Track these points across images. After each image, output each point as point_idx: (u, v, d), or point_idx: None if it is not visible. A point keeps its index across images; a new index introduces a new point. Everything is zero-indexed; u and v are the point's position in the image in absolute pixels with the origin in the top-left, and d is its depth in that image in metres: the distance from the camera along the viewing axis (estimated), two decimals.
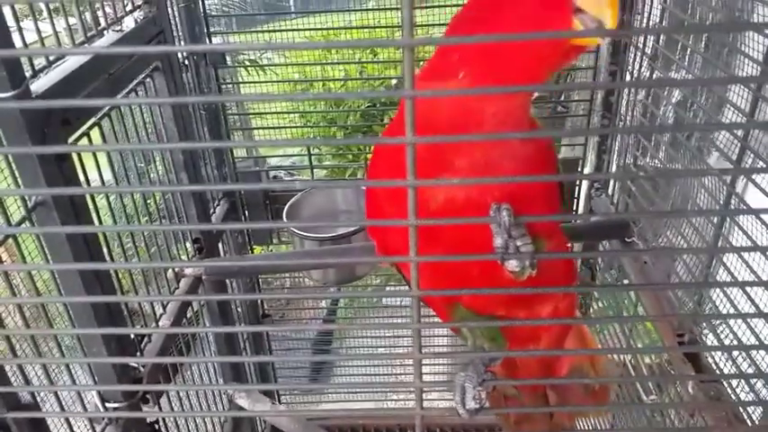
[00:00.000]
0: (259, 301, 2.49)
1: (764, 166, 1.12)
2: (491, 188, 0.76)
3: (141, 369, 1.33)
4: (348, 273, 2.07)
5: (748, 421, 1.20)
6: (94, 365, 1.26)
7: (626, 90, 1.86)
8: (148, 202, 1.59)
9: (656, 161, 1.70)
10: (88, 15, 1.31)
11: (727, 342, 1.33)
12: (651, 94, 1.69)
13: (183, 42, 1.81)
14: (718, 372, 1.35)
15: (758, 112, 1.12)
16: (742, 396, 1.28)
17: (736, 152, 1.19)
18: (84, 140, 1.19)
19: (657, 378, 1.55)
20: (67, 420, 1.15)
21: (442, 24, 2.32)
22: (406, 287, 1.25)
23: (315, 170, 2.25)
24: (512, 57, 0.69)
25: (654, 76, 1.64)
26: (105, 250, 1.25)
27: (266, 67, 3.82)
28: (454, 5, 2.28)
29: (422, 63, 0.86)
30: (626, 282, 1.91)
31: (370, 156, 1.85)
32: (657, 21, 1.61)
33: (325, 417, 2.52)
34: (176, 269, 1.69)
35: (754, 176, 1.14)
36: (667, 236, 1.61)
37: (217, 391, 2.08)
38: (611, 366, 1.33)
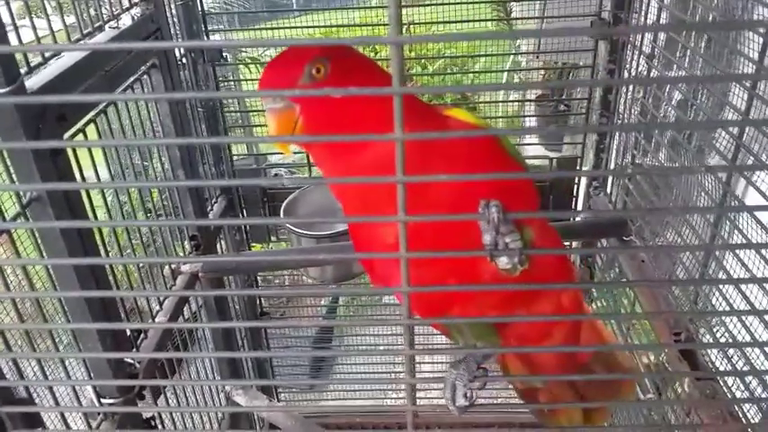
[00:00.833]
0: (257, 300, 2.49)
1: (759, 163, 1.12)
2: (478, 191, 0.76)
3: (137, 365, 1.33)
4: (346, 270, 2.07)
5: (743, 419, 1.21)
6: (90, 362, 1.26)
7: (624, 88, 1.86)
8: (146, 200, 1.59)
9: (656, 162, 1.69)
10: (86, 13, 1.31)
11: (723, 342, 1.33)
12: (649, 94, 1.69)
13: (180, 40, 1.81)
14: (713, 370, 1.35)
15: (753, 110, 1.12)
16: (737, 394, 1.28)
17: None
18: (81, 138, 1.19)
19: (653, 375, 1.55)
20: (63, 416, 1.15)
21: (442, 23, 2.32)
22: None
23: (313, 168, 2.25)
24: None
25: (652, 75, 1.63)
26: (102, 251, 1.25)
27: None
28: (447, 4, 2.28)
29: (413, 61, 0.86)
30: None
31: None
32: (655, 20, 1.62)
33: (322, 414, 2.52)
34: (173, 266, 1.69)
35: (751, 176, 1.14)
36: (666, 237, 1.61)
37: (214, 389, 2.08)
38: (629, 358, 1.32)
